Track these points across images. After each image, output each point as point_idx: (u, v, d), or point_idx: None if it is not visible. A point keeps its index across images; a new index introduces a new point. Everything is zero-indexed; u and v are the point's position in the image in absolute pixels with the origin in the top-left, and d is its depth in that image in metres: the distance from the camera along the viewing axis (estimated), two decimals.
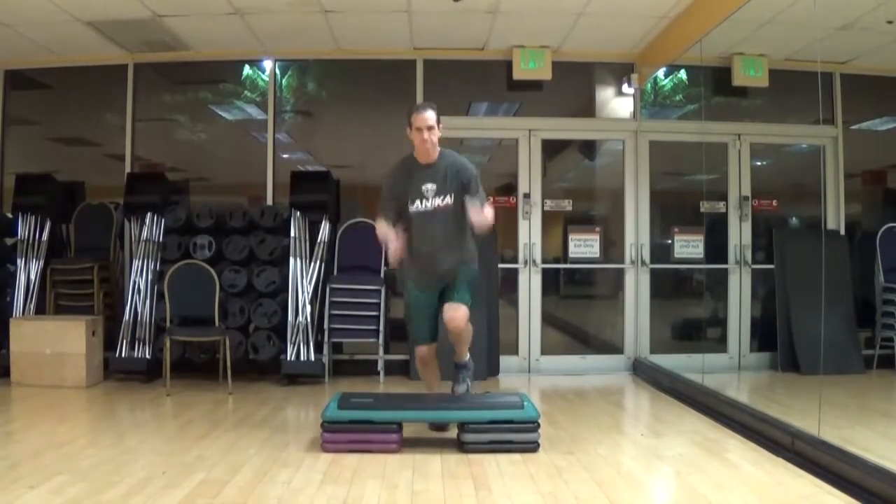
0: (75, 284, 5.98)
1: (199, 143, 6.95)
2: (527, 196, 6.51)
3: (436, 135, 3.91)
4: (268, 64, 6.62)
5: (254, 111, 6.76)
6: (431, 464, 3.60)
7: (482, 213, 3.81)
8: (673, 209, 6.92)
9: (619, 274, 6.65)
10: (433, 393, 4.34)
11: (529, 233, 6.51)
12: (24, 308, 5.89)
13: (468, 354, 4.28)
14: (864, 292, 6.32)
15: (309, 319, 5.76)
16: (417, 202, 3.94)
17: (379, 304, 5.87)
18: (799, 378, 5.91)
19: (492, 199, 4.03)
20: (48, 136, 6.91)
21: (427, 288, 4.10)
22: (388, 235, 3.90)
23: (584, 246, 6.60)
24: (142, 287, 5.89)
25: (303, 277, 5.87)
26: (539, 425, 3.87)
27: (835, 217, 6.52)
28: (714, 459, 3.73)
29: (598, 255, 6.63)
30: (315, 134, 7.04)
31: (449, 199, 3.94)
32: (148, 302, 5.84)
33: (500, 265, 6.46)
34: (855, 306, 6.23)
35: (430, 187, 3.93)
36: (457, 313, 3.99)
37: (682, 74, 6.76)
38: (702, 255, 6.50)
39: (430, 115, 3.89)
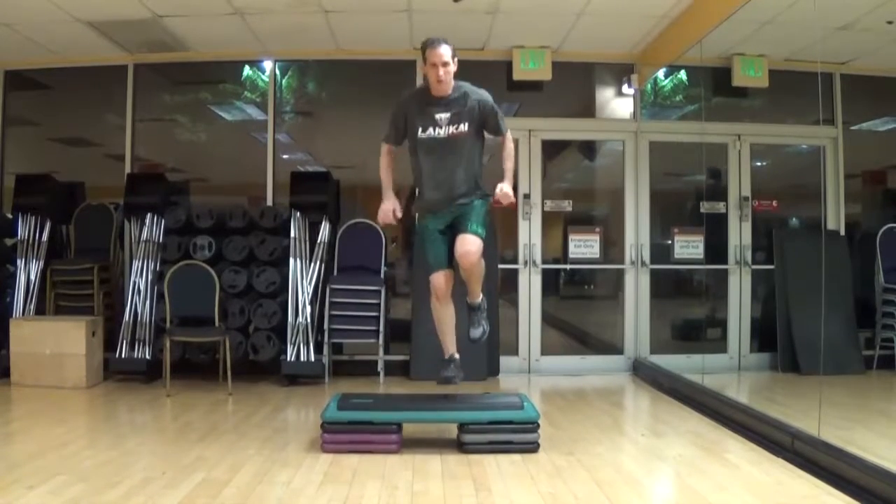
0: (75, 285, 5.97)
1: (199, 144, 6.95)
2: (527, 196, 6.51)
3: (451, 70, 3.80)
4: (268, 64, 6.62)
5: (254, 112, 6.76)
6: (431, 464, 3.60)
7: (508, 194, 3.83)
8: (673, 209, 6.92)
9: (619, 274, 6.65)
10: (433, 393, 4.31)
11: (529, 233, 6.51)
12: (24, 309, 5.89)
13: (481, 295, 4.10)
14: (864, 292, 6.32)
15: (309, 320, 5.76)
16: (430, 129, 3.82)
17: (379, 305, 5.87)
18: (799, 378, 5.91)
19: (492, 199, 3.98)
20: (48, 136, 6.91)
21: (440, 215, 3.96)
22: (386, 203, 3.90)
23: (584, 246, 6.60)
24: (142, 287, 5.89)
25: (303, 278, 5.87)
26: (539, 426, 3.87)
27: (835, 217, 6.52)
28: (714, 460, 3.73)
29: (598, 256, 6.63)
30: (315, 134, 7.04)
31: (464, 127, 3.82)
32: (148, 302, 5.84)
33: (500, 265, 6.46)
34: (855, 307, 6.23)
35: (444, 116, 3.82)
36: (471, 247, 3.83)
37: (682, 75, 6.76)
38: (702, 256, 6.50)
39: (444, 51, 3.75)
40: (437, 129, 3.82)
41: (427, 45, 3.80)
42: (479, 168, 3.98)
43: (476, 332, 4.08)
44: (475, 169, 3.95)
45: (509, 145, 3.99)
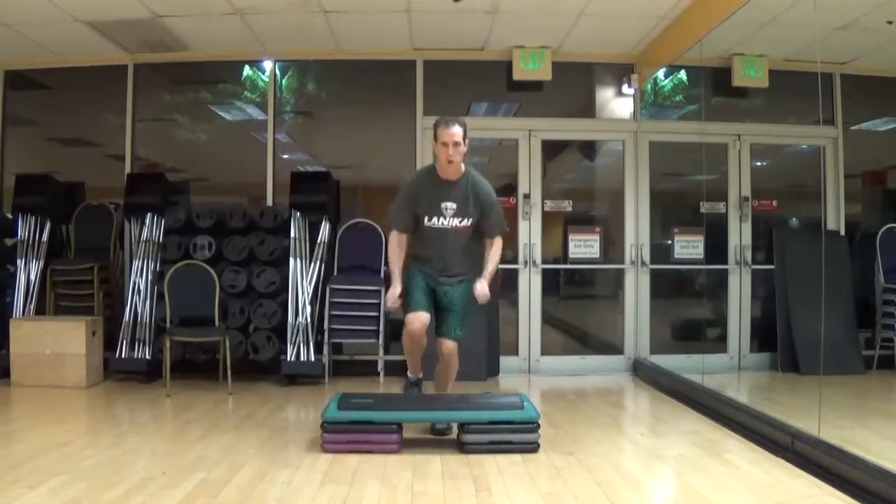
0: (75, 285, 5.97)
1: (199, 144, 6.95)
2: (527, 196, 6.51)
3: (461, 151, 3.87)
4: (268, 64, 6.62)
5: (254, 111, 6.76)
6: (431, 464, 3.60)
7: (485, 294, 3.97)
8: (673, 210, 6.92)
9: (619, 274, 6.65)
10: (433, 394, 4.33)
11: (529, 233, 6.51)
12: (24, 308, 5.89)
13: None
14: (864, 292, 6.32)
15: (309, 320, 5.76)
16: (435, 218, 3.95)
17: (379, 305, 5.87)
18: (799, 378, 5.91)
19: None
20: (48, 136, 6.91)
21: (428, 279, 4.07)
22: (395, 289, 4.02)
23: (584, 246, 6.60)
24: (142, 287, 5.89)
25: (303, 278, 5.87)
26: (539, 426, 3.87)
27: (835, 217, 6.52)
28: (714, 460, 3.73)
29: (598, 256, 6.64)
30: (315, 134, 7.04)
31: (467, 223, 3.97)
32: (148, 302, 5.84)
33: (500, 266, 6.45)
34: (855, 307, 6.22)
35: (449, 206, 3.93)
36: (452, 349, 4.06)
37: (682, 75, 6.76)
38: (702, 256, 6.50)
39: (457, 131, 3.84)
40: (441, 220, 3.95)
41: (440, 124, 3.88)
42: (476, 257, 4.09)
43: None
44: (471, 256, 4.08)
45: (497, 249, 4.09)
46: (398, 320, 6.19)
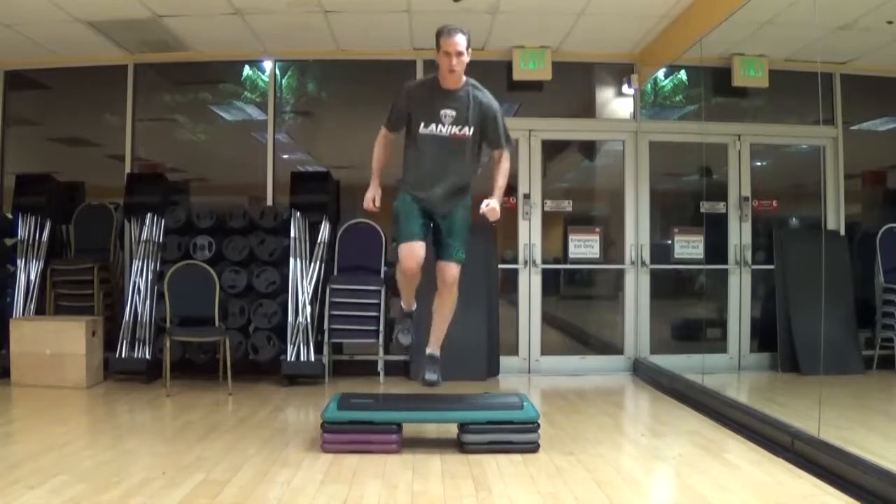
0: (75, 285, 5.97)
1: (199, 144, 6.96)
2: (527, 196, 6.51)
3: (464, 61, 3.73)
4: (268, 64, 6.63)
5: (254, 111, 6.76)
6: (431, 464, 3.60)
7: (495, 209, 3.68)
8: (673, 209, 6.92)
9: (619, 274, 6.65)
10: (433, 393, 4.29)
11: (529, 233, 6.51)
12: (24, 308, 5.89)
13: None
14: (864, 292, 6.32)
15: (309, 320, 5.76)
16: (433, 125, 3.72)
17: (379, 305, 5.87)
18: (799, 378, 5.91)
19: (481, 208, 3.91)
20: (48, 136, 6.91)
21: (424, 203, 3.81)
22: (372, 190, 3.85)
23: (584, 246, 6.60)
24: (142, 287, 5.89)
25: (303, 278, 5.87)
26: (539, 426, 3.87)
27: (835, 217, 6.52)
28: (714, 460, 3.73)
29: (598, 256, 6.63)
30: (315, 134, 7.04)
31: (466, 130, 3.74)
32: (148, 302, 5.84)
33: (500, 266, 6.46)
34: (855, 306, 6.23)
35: (449, 113, 3.71)
36: (455, 273, 3.79)
37: (682, 75, 6.76)
38: (702, 256, 6.50)
39: (460, 40, 3.67)
40: (439, 127, 3.73)
41: (442, 33, 3.71)
42: (474, 172, 3.90)
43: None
44: (469, 173, 3.87)
45: (505, 164, 3.85)
46: None
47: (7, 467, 3.40)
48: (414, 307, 4.09)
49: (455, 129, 3.73)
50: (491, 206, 3.70)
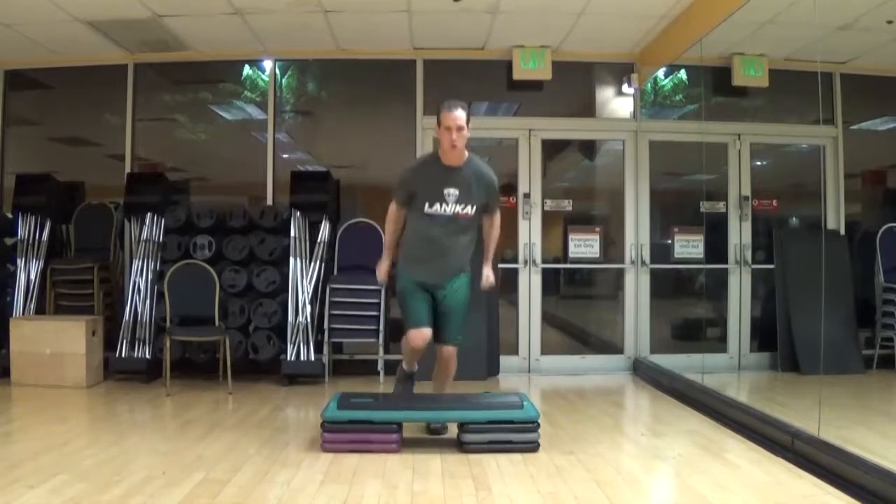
0: (75, 284, 5.97)
1: (199, 143, 6.95)
2: (527, 196, 6.51)
3: (464, 136, 3.77)
4: (268, 64, 6.63)
5: (254, 111, 6.76)
6: (431, 464, 3.60)
7: (492, 282, 4.08)
8: (673, 209, 6.92)
9: (619, 274, 6.65)
10: (433, 394, 4.32)
11: (529, 233, 6.51)
12: (24, 308, 5.89)
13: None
14: (864, 292, 6.32)
15: (309, 319, 5.76)
16: (437, 205, 3.80)
17: (379, 304, 5.87)
18: (799, 378, 5.91)
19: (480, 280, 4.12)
20: (48, 136, 6.91)
21: (424, 282, 3.97)
22: (384, 262, 4.05)
23: (584, 246, 6.60)
24: (142, 287, 5.89)
25: (303, 277, 5.87)
26: (539, 425, 3.87)
27: (835, 217, 6.52)
28: (714, 459, 3.73)
29: (598, 255, 6.63)
30: (315, 134, 7.04)
31: (469, 210, 3.83)
32: (148, 302, 5.84)
33: (500, 265, 6.45)
34: (855, 306, 6.23)
35: (452, 192, 3.79)
36: (453, 355, 4.07)
37: (682, 74, 6.76)
38: (702, 255, 6.50)
39: (460, 115, 3.74)
40: (443, 206, 3.82)
41: (442, 108, 3.79)
42: (473, 246, 4.03)
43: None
44: (470, 248, 4.01)
45: (497, 222, 4.09)
46: (398, 319, 6.22)
47: (7, 467, 3.40)
48: (416, 369, 4.27)
49: (458, 209, 3.83)
50: (490, 281, 4.10)
